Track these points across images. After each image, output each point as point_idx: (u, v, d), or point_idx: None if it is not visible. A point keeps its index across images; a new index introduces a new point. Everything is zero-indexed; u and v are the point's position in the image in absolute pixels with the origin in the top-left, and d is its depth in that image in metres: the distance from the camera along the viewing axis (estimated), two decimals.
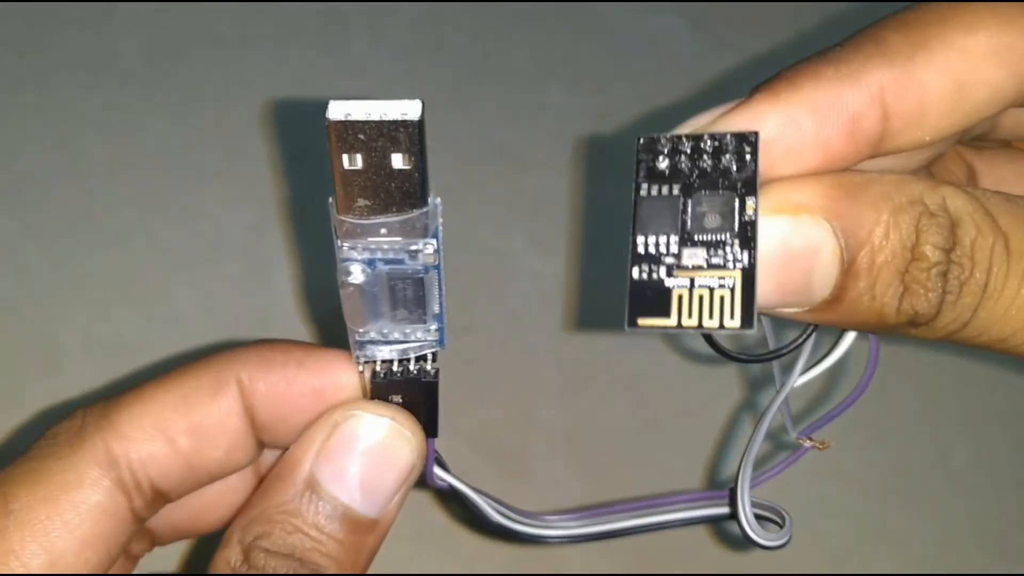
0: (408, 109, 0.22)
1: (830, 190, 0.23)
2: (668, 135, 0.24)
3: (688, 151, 0.24)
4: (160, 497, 0.28)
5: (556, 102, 0.56)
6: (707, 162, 0.24)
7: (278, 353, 0.29)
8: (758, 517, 0.29)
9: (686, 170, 0.24)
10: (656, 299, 0.23)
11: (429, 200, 0.24)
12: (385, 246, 0.24)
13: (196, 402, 0.28)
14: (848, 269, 0.23)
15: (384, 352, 0.28)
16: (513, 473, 0.46)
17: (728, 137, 0.24)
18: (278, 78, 0.53)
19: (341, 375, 0.29)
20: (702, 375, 0.50)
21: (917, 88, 0.24)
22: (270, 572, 0.26)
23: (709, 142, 0.24)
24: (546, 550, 0.45)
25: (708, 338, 0.26)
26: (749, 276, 0.23)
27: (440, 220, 0.25)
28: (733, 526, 0.29)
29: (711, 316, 0.23)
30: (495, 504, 0.30)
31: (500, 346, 0.49)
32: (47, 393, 0.44)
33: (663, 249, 0.23)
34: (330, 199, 0.24)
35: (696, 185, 0.24)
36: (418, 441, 0.28)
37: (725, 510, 0.30)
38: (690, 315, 0.23)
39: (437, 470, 0.30)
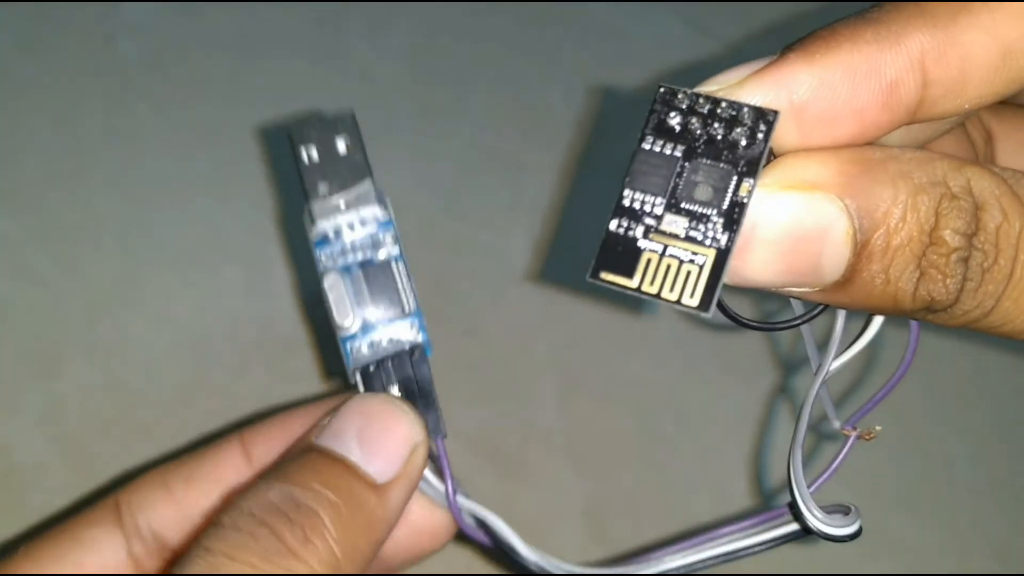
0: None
1: (845, 166, 0.22)
2: (689, 91, 0.23)
3: (704, 112, 0.23)
4: (166, 548, 0.30)
5: (556, 105, 0.54)
6: (718, 130, 0.23)
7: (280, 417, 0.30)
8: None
9: (695, 132, 0.23)
10: (624, 256, 0.23)
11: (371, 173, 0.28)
12: (355, 240, 0.28)
13: (194, 460, 0.30)
14: (861, 251, 0.22)
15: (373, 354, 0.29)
16: (513, 476, 0.45)
17: (746, 110, 0.23)
18: (279, 82, 0.52)
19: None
20: (705, 378, 0.49)
21: (959, 53, 0.22)
22: (247, 510, 0.24)
23: (727, 109, 0.23)
24: None
25: (719, 304, 0.24)
26: (722, 258, 0.22)
27: (392, 214, 0.28)
28: None
29: (672, 288, 0.22)
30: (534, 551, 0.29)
31: (501, 349, 0.48)
32: (47, 395, 0.44)
33: (647, 208, 0.23)
34: (304, 213, 0.28)
35: (699, 152, 0.23)
36: (418, 419, 0.27)
37: (795, 527, 0.28)
38: (652, 282, 0.22)
39: (461, 499, 0.29)
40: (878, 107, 0.22)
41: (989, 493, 0.49)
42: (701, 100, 0.23)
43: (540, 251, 0.51)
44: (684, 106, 0.23)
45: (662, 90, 0.23)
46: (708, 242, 0.22)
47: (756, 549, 0.29)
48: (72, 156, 0.49)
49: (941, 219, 0.22)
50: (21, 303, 0.46)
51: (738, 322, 0.25)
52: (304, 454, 0.26)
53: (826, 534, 0.27)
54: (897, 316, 0.24)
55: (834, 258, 0.22)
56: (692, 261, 0.22)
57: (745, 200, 0.22)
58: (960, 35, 0.22)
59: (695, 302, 0.22)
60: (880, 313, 0.24)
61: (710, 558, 0.29)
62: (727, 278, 0.23)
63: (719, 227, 0.22)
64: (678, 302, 0.22)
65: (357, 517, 0.25)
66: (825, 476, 0.28)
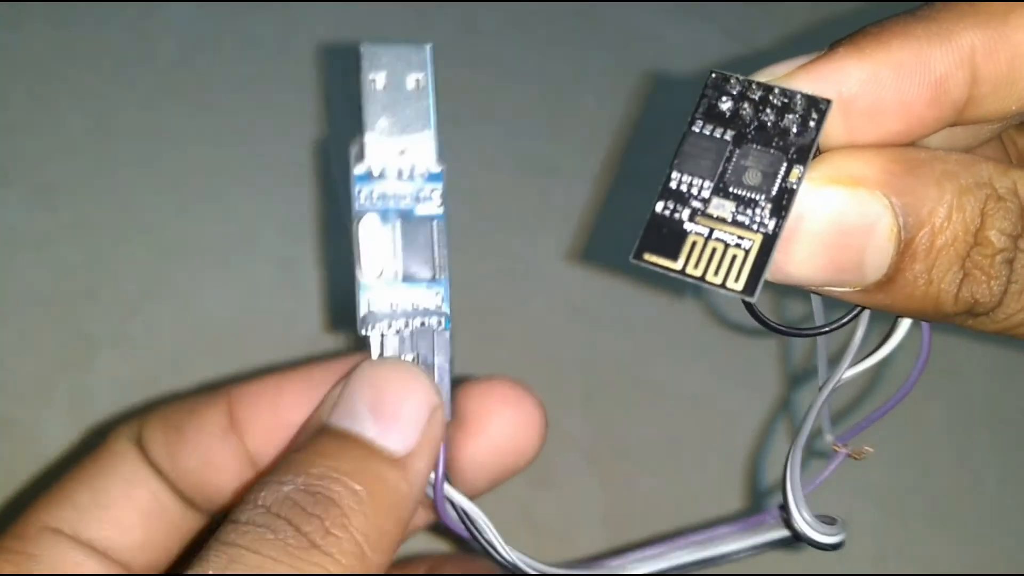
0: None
1: (891, 164, 0.22)
2: (741, 77, 0.23)
3: (756, 99, 0.23)
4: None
5: (587, 109, 0.54)
6: (769, 116, 0.23)
7: (261, 383, 0.29)
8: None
9: (746, 118, 0.23)
10: (669, 239, 0.22)
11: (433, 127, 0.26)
12: (397, 189, 0.26)
13: (191, 407, 0.29)
14: (905, 249, 0.22)
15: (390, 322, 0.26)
16: (536, 481, 0.45)
17: (799, 97, 0.23)
18: (311, 82, 0.52)
19: (325, 385, 0.27)
20: (730, 385, 0.49)
21: (1010, 51, 0.22)
22: (261, 503, 0.23)
23: (779, 96, 0.23)
24: None
25: (749, 307, 0.24)
26: (768, 243, 0.22)
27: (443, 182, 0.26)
28: None
29: (716, 272, 0.22)
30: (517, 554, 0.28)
31: (526, 354, 0.48)
32: (76, 387, 0.44)
33: (694, 191, 0.23)
34: (352, 144, 0.26)
35: (750, 137, 0.23)
36: (433, 383, 0.26)
37: (785, 532, 0.28)
38: (696, 265, 0.22)
39: (448, 489, 0.27)
40: (925, 103, 0.22)
41: (1019, 509, 0.48)
42: (753, 86, 0.23)
43: (568, 257, 0.51)
44: (735, 91, 0.23)
45: (714, 75, 0.23)
46: (755, 227, 0.22)
47: (738, 554, 0.29)
48: (105, 152, 0.50)
49: (987, 219, 0.22)
50: (53, 295, 0.46)
51: (767, 326, 0.25)
52: (317, 437, 0.25)
53: (812, 539, 0.27)
54: (936, 320, 0.24)
55: (877, 256, 0.22)
56: (739, 245, 0.22)
57: (795, 187, 0.22)
58: (1012, 34, 0.22)
59: (739, 286, 0.22)
60: (920, 317, 0.24)
61: (691, 563, 0.29)
62: (769, 275, 0.22)
63: (767, 212, 0.22)
64: (722, 286, 0.22)
65: (379, 499, 0.24)
66: (809, 488, 0.27)
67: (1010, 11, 0.22)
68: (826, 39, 0.24)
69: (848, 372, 0.26)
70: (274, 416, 0.28)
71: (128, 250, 0.48)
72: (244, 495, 0.24)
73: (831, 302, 0.25)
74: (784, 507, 0.27)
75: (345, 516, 0.23)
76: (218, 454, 0.28)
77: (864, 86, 0.22)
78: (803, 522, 0.27)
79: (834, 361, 0.27)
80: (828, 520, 0.28)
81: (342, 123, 0.51)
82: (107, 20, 0.52)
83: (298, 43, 0.54)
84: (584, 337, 0.49)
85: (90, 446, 0.32)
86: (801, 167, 0.22)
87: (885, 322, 0.26)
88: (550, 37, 0.56)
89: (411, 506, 0.25)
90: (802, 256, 0.22)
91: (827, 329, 0.26)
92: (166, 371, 0.44)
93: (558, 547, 0.44)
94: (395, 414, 0.25)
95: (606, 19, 0.57)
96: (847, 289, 0.23)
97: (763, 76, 0.23)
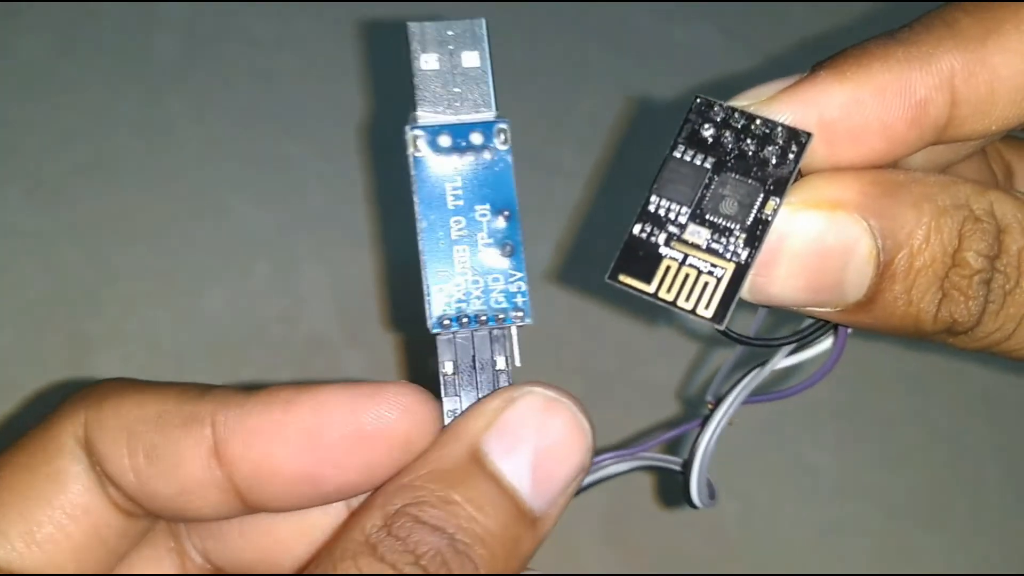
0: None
1: (870, 187, 0.22)
2: (725, 104, 0.24)
3: (738, 127, 0.23)
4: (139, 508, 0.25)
5: (588, 110, 0.54)
6: (750, 146, 0.23)
7: (269, 397, 0.24)
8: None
9: (727, 146, 0.23)
10: (645, 262, 0.23)
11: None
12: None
13: (165, 427, 0.24)
14: (884, 271, 0.22)
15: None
16: None
17: (780, 129, 0.23)
18: (310, 79, 0.52)
19: (334, 413, 0.24)
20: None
21: (988, 73, 0.22)
22: (412, 548, 0.22)
23: (761, 126, 0.23)
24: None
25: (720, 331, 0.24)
26: (740, 273, 0.23)
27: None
28: None
29: (688, 298, 0.23)
30: None
31: (523, 353, 0.48)
32: (75, 388, 0.43)
33: (672, 216, 0.23)
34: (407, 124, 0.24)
35: (729, 165, 0.23)
36: (592, 437, 0.24)
37: (677, 466, 0.30)
38: (669, 289, 0.23)
39: None
40: (906, 125, 0.23)
41: (1020, 509, 0.49)
42: (736, 115, 0.23)
43: (564, 255, 0.51)
44: (719, 119, 0.23)
45: (698, 100, 0.24)
46: (729, 255, 0.23)
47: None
48: (106, 152, 0.50)
49: (964, 241, 0.22)
50: (53, 296, 0.46)
51: (739, 341, 0.26)
52: (470, 469, 0.23)
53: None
54: (917, 338, 0.24)
55: (857, 277, 0.22)
56: (711, 273, 0.23)
57: (769, 218, 0.23)
58: (990, 56, 0.22)
59: (709, 313, 0.22)
60: (900, 335, 0.24)
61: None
62: (750, 295, 0.23)
63: (741, 242, 0.23)
64: (693, 311, 0.23)
65: (511, 563, 0.23)
66: (664, 437, 0.30)
67: (988, 34, 0.22)
68: (827, 39, 0.24)
69: (783, 363, 0.28)
70: (268, 451, 0.24)
71: (128, 250, 0.48)
72: (383, 512, 0.22)
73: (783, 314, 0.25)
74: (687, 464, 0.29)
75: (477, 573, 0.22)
76: (199, 485, 0.24)
77: (846, 109, 0.23)
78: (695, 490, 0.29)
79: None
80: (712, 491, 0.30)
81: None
82: (107, 20, 0.52)
83: (298, 43, 0.54)
84: (581, 336, 0.49)
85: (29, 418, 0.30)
86: (777, 199, 0.23)
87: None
88: (548, 38, 0.56)
89: (526, 563, 0.24)
90: (783, 278, 0.23)
91: (795, 339, 0.27)
92: (166, 371, 0.45)
93: (557, 548, 0.44)
94: (553, 474, 0.23)
95: (606, 20, 0.57)
96: (828, 309, 0.23)
97: (746, 98, 0.24)
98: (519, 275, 0.24)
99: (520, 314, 0.24)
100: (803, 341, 0.27)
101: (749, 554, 0.46)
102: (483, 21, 0.24)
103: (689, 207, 0.23)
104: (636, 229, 0.23)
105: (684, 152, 0.23)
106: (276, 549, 0.26)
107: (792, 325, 0.27)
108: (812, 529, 0.47)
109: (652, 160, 0.24)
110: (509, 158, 0.25)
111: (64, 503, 0.24)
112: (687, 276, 0.23)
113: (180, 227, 0.49)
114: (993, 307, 0.22)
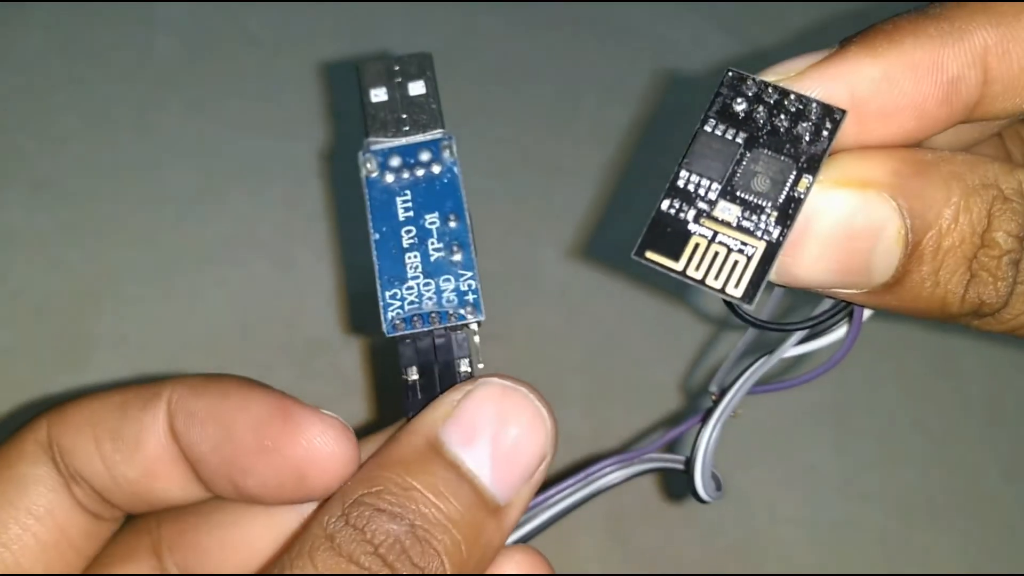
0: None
1: (899, 167, 0.22)
2: (758, 78, 0.23)
3: (771, 102, 0.23)
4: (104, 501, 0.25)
5: (590, 109, 0.54)
6: (783, 122, 0.22)
7: (220, 383, 0.25)
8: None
9: (759, 121, 0.23)
10: (673, 238, 0.22)
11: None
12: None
13: (127, 410, 0.25)
14: (912, 252, 0.22)
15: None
16: None
17: (814, 105, 0.22)
18: (308, 80, 0.52)
19: (246, 421, 0.24)
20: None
21: (1022, 50, 0.22)
22: (370, 537, 0.21)
23: (794, 102, 0.22)
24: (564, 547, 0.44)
25: (731, 306, 0.23)
26: (771, 251, 0.22)
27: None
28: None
29: (717, 276, 0.22)
30: None
31: (528, 354, 0.48)
32: (74, 386, 0.43)
33: (701, 192, 0.22)
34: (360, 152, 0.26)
35: (762, 141, 0.22)
36: (553, 425, 0.24)
37: (680, 466, 0.30)
38: (698, 267, 0.22)
39: None
40: (938, 102, 0.22)
41: (1020, 509, 0.49)
42: (769, 89, 0.23)
43: (571, 256, 0.51)
44: (751, 93, 0.23)
45: (730, 74, 0.23)
46: (760, 233, 0.22)
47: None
48: (105, 151, 0.49)
49: (993, 221, 0.22)
50: (51, 294, 0.46)
51: (753, 323, 0.25)
52: (429, 458, 0.23)
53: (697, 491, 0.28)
54: (942, 321, 0.24)
55: (885, 258, 0.22)
56: (741, 251, 0.22)
57: (802, 196, 0.22)
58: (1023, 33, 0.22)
59: (739, 293, 0.22)
60: (926, 317, 0.24)
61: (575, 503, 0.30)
62: (776, 276, 0.22)
63: (772, 220, 0.22)
64: (722, 290, 0.22)
65: (474, 552, 0.22)
66: (675, 432, 0.29)
67: (1022, 11, 0.22)
68: (825, 38, 0.23)
69: (793, 350, 0.27)
70: (198, 435, 0.24)
71: (128, 250, 0.48)
72: (341, 503, 0.22)
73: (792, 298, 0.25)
74: (690, 460, 0.29)
75: (443, 567, 0.22)
76: (159, 462, 0.25)
77: (877, 86, 0.22)
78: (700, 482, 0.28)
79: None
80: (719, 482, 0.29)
81: (351, 130, 0.51)
82: (107, 20, 0.52)
83: (298, 43, 0.53)
84: (587, 336, 0.49)
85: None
86: (810, 177, 0.22)
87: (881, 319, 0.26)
88: (553, 38, 0.56)
89: (494, 558, 0.24)
90: (810, 259, 0.22)
91: (811, 323, 0.26)
92: (164, 371, 0.44)
93: (560, 546, 0.44)
94: (514, 461, 0.23)
95: (608, 18, 0.56)
96: (854, 291, 0.23)
97: (774, 74, 0.23)
98: (469, 273, 0.25)
99: (471, 310, 0.25)
100: (817, 327, 0.26)
101: (749, 554, 0.46)
102: (430, 55, 0.27)
103: (720, 183, 0.22)
104: (664, 204, 0.23)
105: (715, 126, 0.23)
106: (247, 551, 0.26)
107: (804, 312, 0.27)
108: (812, 529, 0.47)
109: (652, 159, 0.23)
110: (456, 169, 0.26)
111: (28, 504, 0.25)
112: (716, 254, 0.22)
113: (180, 227, 0.49)
114: (1021, 288, 0.22)
